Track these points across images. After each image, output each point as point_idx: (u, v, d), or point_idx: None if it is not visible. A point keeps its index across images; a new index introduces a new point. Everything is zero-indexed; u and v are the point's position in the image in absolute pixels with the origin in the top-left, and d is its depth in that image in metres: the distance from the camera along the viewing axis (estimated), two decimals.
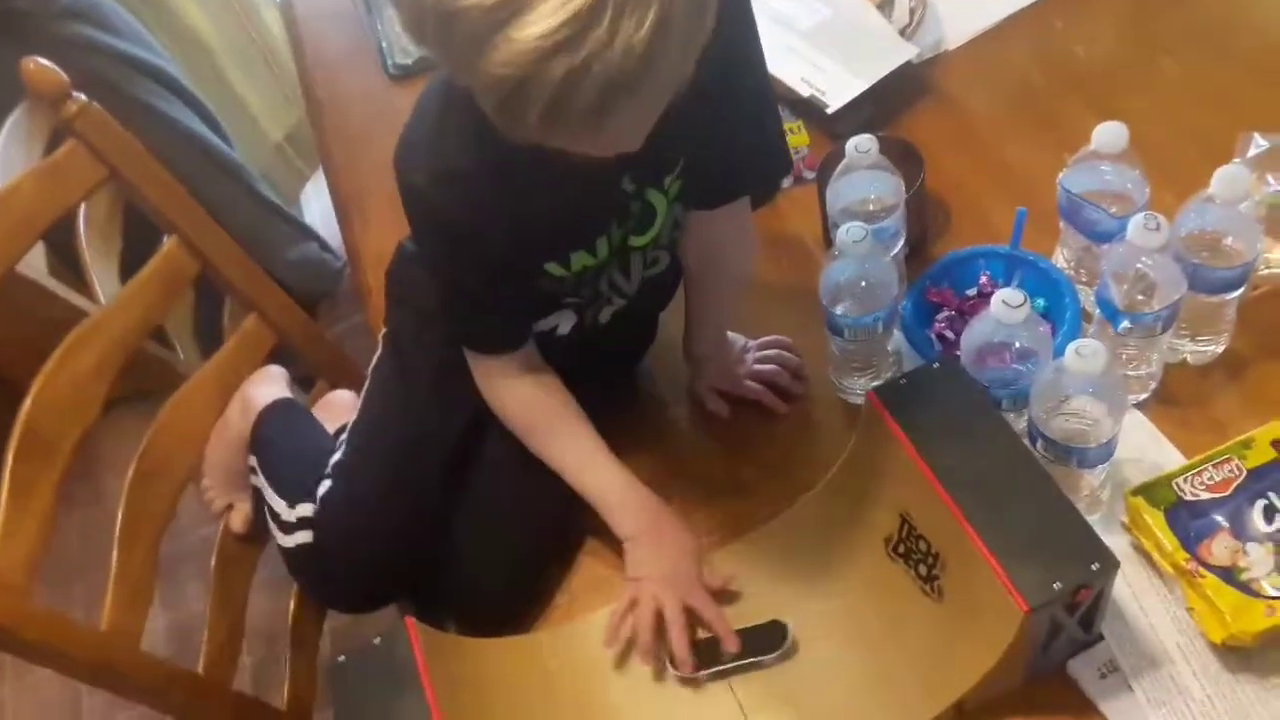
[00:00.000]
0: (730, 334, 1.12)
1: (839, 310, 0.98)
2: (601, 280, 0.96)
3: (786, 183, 1.28)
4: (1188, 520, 0.85)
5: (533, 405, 0.97)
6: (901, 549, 0.89)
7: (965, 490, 0.82)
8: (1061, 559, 0.77)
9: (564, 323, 1.00)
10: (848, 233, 0.94)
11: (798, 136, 1.31)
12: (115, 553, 1.06)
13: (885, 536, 0.90)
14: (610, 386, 1.10)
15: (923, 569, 0.87)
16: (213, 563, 1.19)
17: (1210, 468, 0.87)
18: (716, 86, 0.81)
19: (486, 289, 0.91)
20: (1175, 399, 0.98)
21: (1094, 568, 0.76)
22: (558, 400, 0.97)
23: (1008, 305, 0.85)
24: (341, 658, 0.87)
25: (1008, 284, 1.07)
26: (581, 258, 0.91)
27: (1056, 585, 0.76)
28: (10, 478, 0.97)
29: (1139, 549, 0.88)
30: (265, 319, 1.27)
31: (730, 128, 0.89)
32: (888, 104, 1.28)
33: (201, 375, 1.22)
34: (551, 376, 0.98)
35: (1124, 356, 0.95)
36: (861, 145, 0.99)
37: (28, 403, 1.00)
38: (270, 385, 1.23)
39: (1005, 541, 0.79)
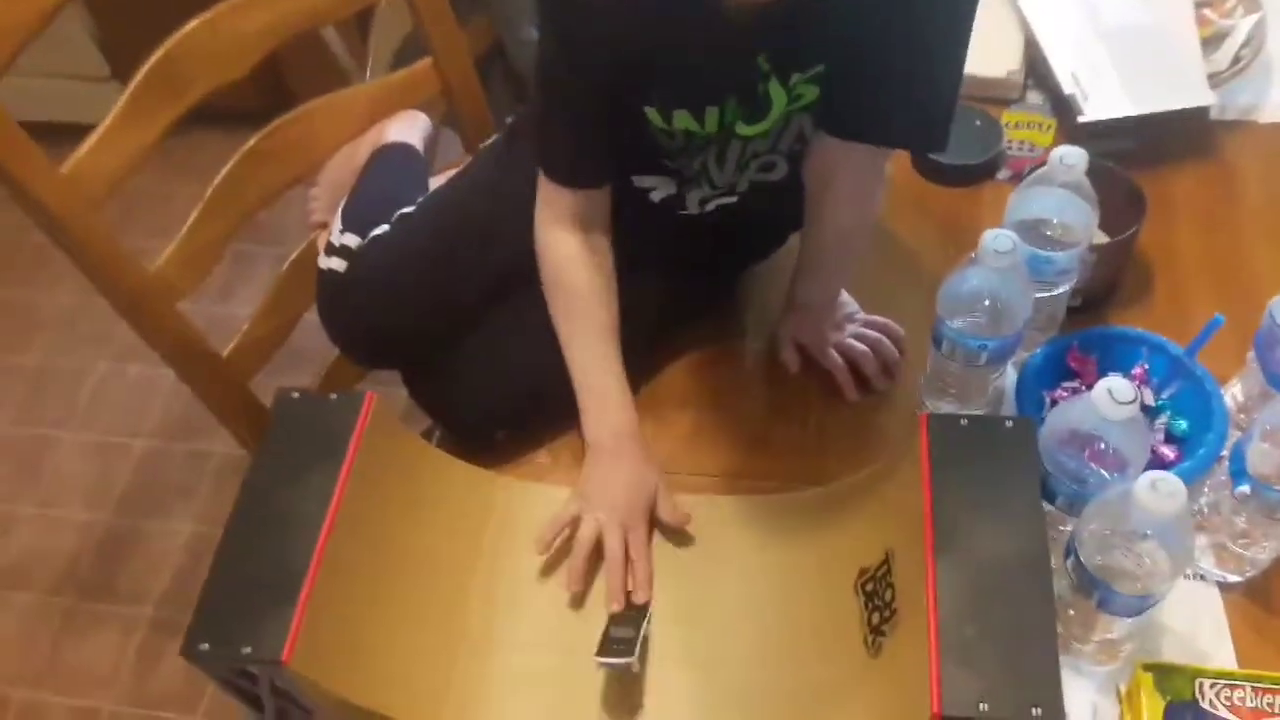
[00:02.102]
0: (844, 296, 1.01)
1: (950, 320, 0.86)
2: (697, 159, 0.88)
3: (1002, 175, 1.14)
4: None
5: (572, 264, 0.90)
6: (869, 587, 0.79)
7: (956, 564, 0.71)
8: (1006, 685, 0.66)
9: (660, 189, 0.92)
10: (994, 239, 0.80)
11: (1043, 135, 1.16)
12: (196, 211, 1.08)
13: (863, 567, 0.80)
14: (698, 281, 1.02)
15: (876, 618, 0.77)
16: (285, 265, 1.21)
17: (1250, 689, 0.71)
18: (890, 15, 0.74)
19: (581, 102, 0.84)
20: (1268, 600, 0.81)
21: (1035, 712, 0.64)
22: (597, 274, 0.90)
23: (1111, 397, 0.71)
24: (295, 393, 0.86)
25: (1161, 388, 0.90)
26: (684, 118, 0.83)
27: (983, 706, 0.64)
28: (131, 95, 0.98)
29: None
30: (438, 66, 1.24)
31: (886, 67, 0.79)
32: (1151, 141, 1.10)
33: (355, 91, 1.21)
34: (605, 246, 0.91)
35: (1237, 525, 0.79)
36: (1068, 157, 0.84)
37: (176, 36, 1.00)
38: (407, 126, 1.21)
39: (961, 635, 0.68)
